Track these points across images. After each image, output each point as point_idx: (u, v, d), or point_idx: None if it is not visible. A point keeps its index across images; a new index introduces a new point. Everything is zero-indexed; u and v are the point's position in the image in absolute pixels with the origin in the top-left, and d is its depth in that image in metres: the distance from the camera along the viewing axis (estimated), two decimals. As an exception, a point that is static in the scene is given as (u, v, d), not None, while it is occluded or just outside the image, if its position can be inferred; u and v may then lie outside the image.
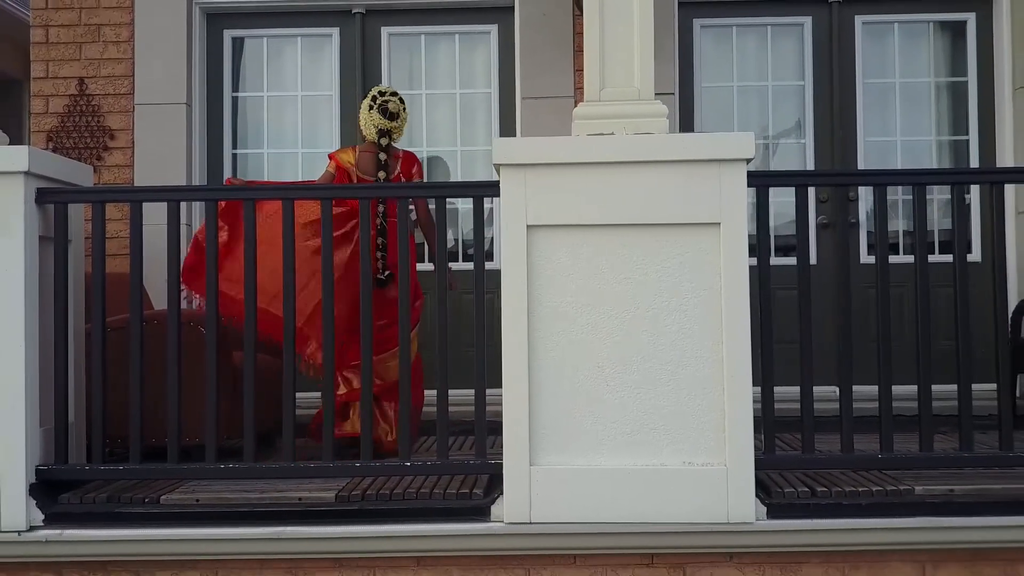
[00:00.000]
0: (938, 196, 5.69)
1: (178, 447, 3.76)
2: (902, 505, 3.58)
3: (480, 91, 6.10)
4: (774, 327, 3.70)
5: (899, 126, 5.96)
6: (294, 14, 6.09)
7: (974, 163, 5.88)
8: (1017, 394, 5.32)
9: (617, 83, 3.68)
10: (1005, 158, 5.77)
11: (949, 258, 3.89)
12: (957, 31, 6.00)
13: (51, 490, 3.72)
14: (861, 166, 5.89)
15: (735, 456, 3.48)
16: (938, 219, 5.80)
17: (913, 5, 5.95)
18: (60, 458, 3.75)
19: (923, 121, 5.98)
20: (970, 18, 5.94)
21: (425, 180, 4.79)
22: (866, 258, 5.77)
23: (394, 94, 4.83)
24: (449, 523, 3.61)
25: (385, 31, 6.09)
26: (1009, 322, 5.27)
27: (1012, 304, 5.36)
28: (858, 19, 5.95)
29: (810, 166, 5.92)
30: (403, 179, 4.72)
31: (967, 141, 5.93)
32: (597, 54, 3.68)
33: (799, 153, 6.00)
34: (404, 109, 4.81)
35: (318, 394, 3.83)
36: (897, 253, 5.70)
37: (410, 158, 4.80)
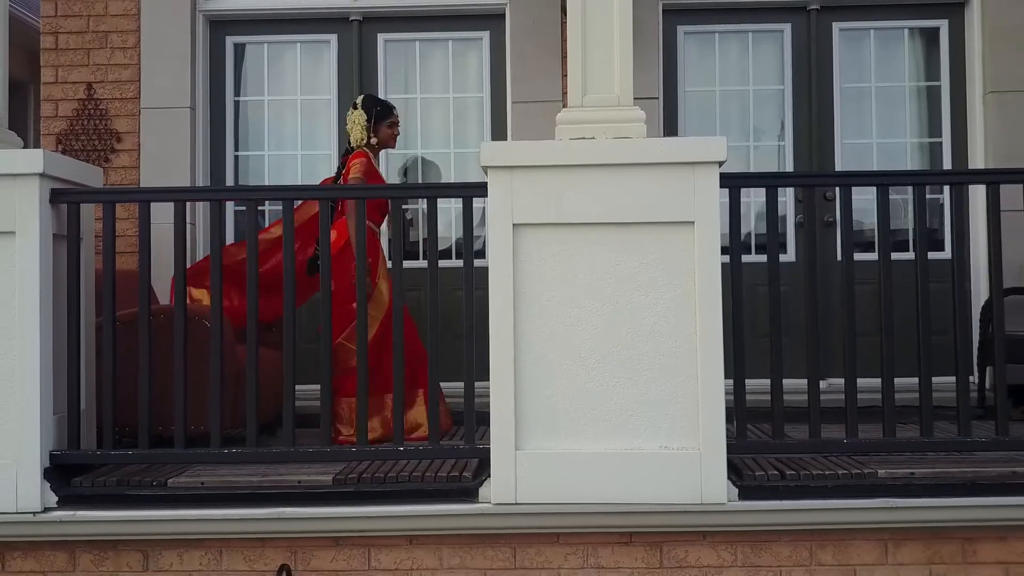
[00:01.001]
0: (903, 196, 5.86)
1: (184, 433, 3.91)
2: (866, 487, 3.76)
3: (472, 95, 6.22)
4: (745, 320, 3.89)
5: (875, 129, 6.10)
6: (293, 21, 6.21)
7: (947, 165, 6.03)
8: (987, 386, 5.52)
9: (598, 90, 3.85)
10: (976, 159, 5.91)
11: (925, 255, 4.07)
12: (931, 38, 6.13)
13: (64, 474, 3.87)
14: (838, 167, 6.03)
15: (708, 441, 3.67)
16: (913, 218, 5.98)
17: (888, 12, 6.09)
18: (73, 444, 3.90)
19: (898, 124, 6.11)
20: (943, 25, 6.08)
21: (361, 175, 4.91)
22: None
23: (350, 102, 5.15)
24: (440, 504, 3.78)
25: (381, 37, 6.21)
26: (979, 317, 5.49)
27: (984, 299, 5.59)
28: (835, 26, 6.09)
29: (789, 167, 6.05)
30: (341, 180, 5.02)
31: (940, 143, 6.07)
32: (579, 63, 3.85)
33: (779, 155, 6.14)
34: (351, 111, 5.11)
35: (317, 386, 4.01)
36: (873, 251, 5.89)
37: (353, 156, 5.03)
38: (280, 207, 4.12)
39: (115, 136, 6.03)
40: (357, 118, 5.08)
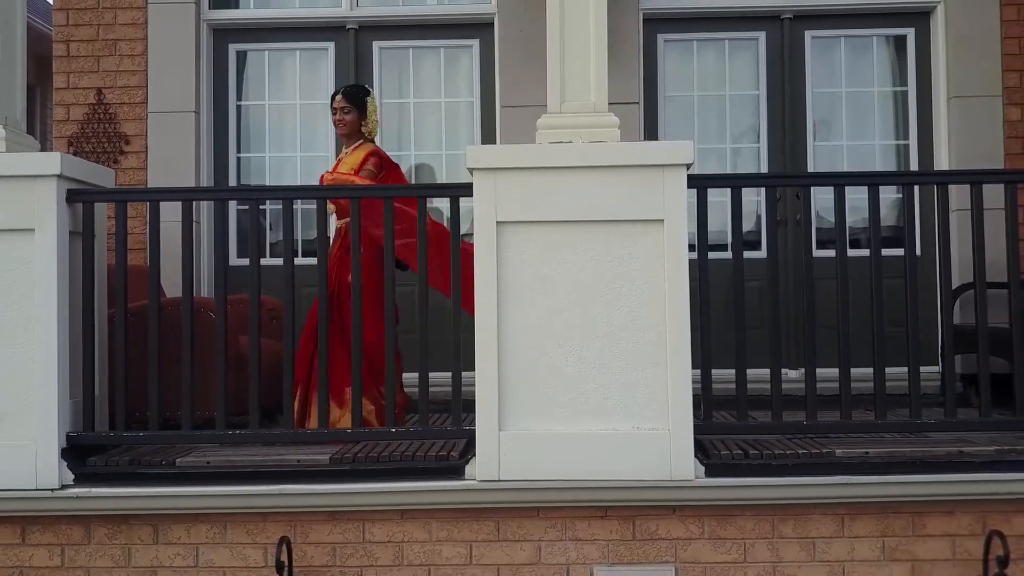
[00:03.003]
0: (884, 196, 6.10)
1: (191, 417, 4.16)
2: (824, 465, 4.01)
3: (463, 100, 6.48)
4: (718, 312, 4.15)
5: (846, 132, 6.37)
6: (293, 29, 6.47)
7: (914, 166, 6.29)
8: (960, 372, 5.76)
9: (575, 97, 4.09)
10: (941, 161, 6.17)
11: (894, 252, 4.34)
12: (898, 45, 6.39)
13: (80, 454, 4.10)
14: (811, 168, 6.30)
15: (676, 421, 3.92)
16: (885, 216, 6.23)
17: (858, 21, 6.34)
18: (88, 426, 4.14)
19: (868, 127, 6.37)
20: (910, 33, 6.34)
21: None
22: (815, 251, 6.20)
23: None
24: (429, 481, 4.02)
25: (376, 45, 6.47)
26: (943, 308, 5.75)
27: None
28: (808, 34, 6.35)
29: (764, 169, 6.32)
30: None
31: (907, 145, 6.33)
32: (558, 72, 4.10)
33: (754, 157, 6.39)
34: None
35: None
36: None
37: None
38: (280, 206, 4.36)
39: (124, 139, 6.28)
40: None
